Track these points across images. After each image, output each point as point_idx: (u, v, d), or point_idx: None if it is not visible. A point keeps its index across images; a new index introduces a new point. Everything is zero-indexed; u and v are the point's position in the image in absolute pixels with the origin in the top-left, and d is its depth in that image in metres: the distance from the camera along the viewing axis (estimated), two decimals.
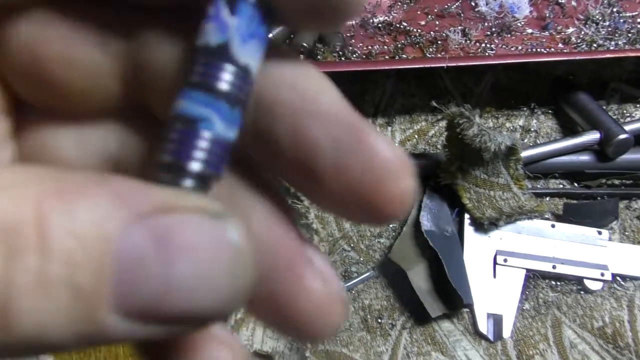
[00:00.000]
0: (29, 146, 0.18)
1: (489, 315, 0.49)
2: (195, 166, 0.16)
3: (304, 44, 0.53)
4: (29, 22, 0.17)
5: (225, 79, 0.16)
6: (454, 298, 0.47)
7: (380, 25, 0.56)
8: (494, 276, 0.50)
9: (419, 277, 0.48)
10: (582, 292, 0.50)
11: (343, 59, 0.54)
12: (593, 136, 0.52)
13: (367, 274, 0.51)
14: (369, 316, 0.49)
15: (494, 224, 0.50)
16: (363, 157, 0.16)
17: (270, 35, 0.16)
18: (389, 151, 0.16)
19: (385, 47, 0.55)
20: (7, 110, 0.18)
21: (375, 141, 0.16)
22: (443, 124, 0.55)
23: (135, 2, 0.17)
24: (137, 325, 0.14)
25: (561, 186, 0.55)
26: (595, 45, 0.55)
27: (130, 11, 0.17)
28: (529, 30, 0.56)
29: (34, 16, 0.17)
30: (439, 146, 0.55)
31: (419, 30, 0.56)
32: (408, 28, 0.56)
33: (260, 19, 0.16)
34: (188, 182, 0.16)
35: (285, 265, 0.17)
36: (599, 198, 0.54)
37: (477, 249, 0.50)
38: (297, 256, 0.17)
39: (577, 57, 0.52)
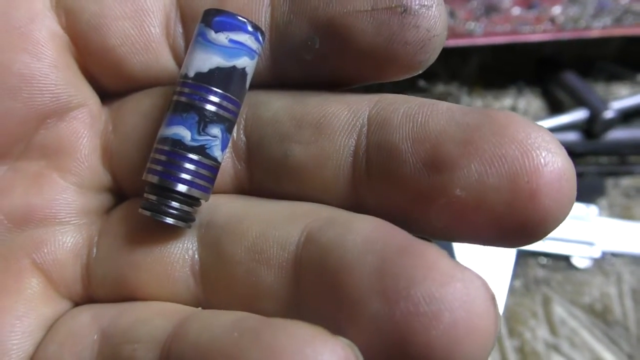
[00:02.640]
0: None
1: None
2: (181, 187, 0.16)
3: None
4: (151, 94, 0.19)
5: (213, 101, 0.16)
6: None
7: None
8: (483, 256, 0.50)
9: None
10: (571, 269, 0.51)
11: None
12: (580, 114, 0.53)
13: None
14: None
15: None
16: (497, 128, 0.14)
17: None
18: (530, 124, 0.14)
19: None
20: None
21: (512, 117, 0.14)
22: None
23: None
24: None
25: None
26: (582, 23, 0.55)
27: None
28: (516, 10, 0.56)
29: (155, 89, 0.19)
30: None
31: None
32: None
33: (251, 34, 0.16)
34: (174, 203, 0.16)
35: None
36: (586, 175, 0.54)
37: None
38: None
39: (563, 37, 0.52)
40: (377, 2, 0.15)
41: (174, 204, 0.16)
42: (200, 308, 0.17)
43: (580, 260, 0.50)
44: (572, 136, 0.54)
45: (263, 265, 0.15)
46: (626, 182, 0.55)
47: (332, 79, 0.16)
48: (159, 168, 0.16)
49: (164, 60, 0.18)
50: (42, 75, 0.17)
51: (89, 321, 0.17)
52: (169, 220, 0.16)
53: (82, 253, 0.18)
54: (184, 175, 0.16)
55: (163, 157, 0.16)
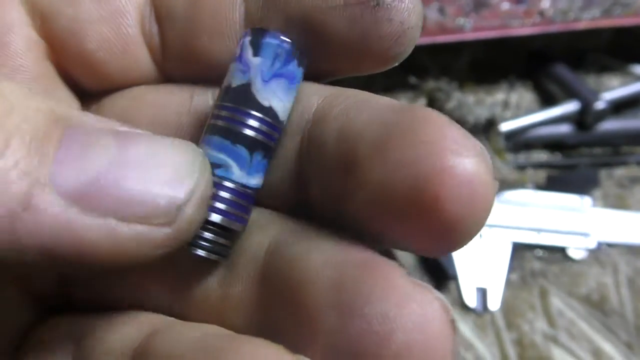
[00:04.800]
0: None
1: (478, 290, 0.49)
2: (215, 217, 0.15)
3: None
4: (125, 96, 0.18)
5: (247, 123, 0.15)
6: (438, 271, 0.48)
7: None
8: (479, 249, 0.50)
9: (403, 252, 0.49)
10: (567, 261, 0.51)
11: None
12: (571, 106, 0.53)
13: None
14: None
15: None
16: (408, 127, 0.13)
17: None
18: (445, 124, 0.13)
19: None
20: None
21: (428, 116, 0.13)
22: (423, 102, 0.55)
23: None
24: (75, 212, 0.12)
25: (543, 157, 0.56)
26: (571, 15, 0.55)
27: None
28: (505, 5, 0.57)
29: (130, 91, 0.19)
30: None
31: None
32: None
33: (287, 58, 0.15)
34: (207, 235, 0.15)
35: None
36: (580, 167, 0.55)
37: None
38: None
39: (552, 29, 0.52)
40: None
41: (207, 235, 0.15)
42: (170, 318, 0.16)
43: (576, 251, 0.51)
44: (564, 128, 0.54)
45: (232, 274, 0.16)
46: (620, 172, 0.55)
47: (308, 73, 0.16)
48: None
49: (142, 61, 0.18)
50: None
51: (65, 332, 0.17)
52: (202, 253, 0.15)
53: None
54: (219, 205, 0.15)
55: None
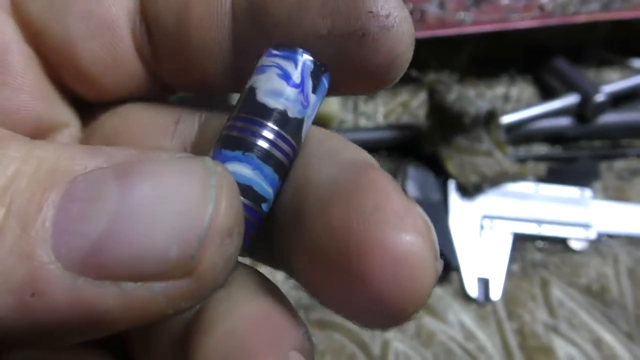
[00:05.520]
0: None
1: (479, 280, 0.50)
2: None
3: None
4: (115, 114, 0.18)
5: (288, 154, 0.15)
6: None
7: None
8: (481, 241, 0.51)
9: None
10: (568, 252, 0.51)
11: None
12: (571, 99, 0.53)
13: None
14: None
15: (479, 190, 0.51)
16: (351, 191, 0.12)
17: None
18: (388, 193, 0.12)
19: None
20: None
21: (375, 182, 0.12)
22: (425, 95, 0.56)
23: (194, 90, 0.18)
24: (85, 283, 0.11)
25: (543, 149, 0.56)
26: (570, 9, 0.56)
27: (200, 102, 0.18)
28: (505, 0, 0.57)
29: (120, 109, 0.18)
30: (423, 117, 0.56)
31: None
32: None
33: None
34: None
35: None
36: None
37: (463, 215, 0.51)
38: None
39: (551, 23, 0.53)
40: (334, 26, 0.14)
41: None
42: None
43: (577, 242, 0.51)
44: (564, 121, 0.55)
45: (154, 333, 0.16)
46: (620, 164, 0.55)
47: None
48: None
49: (136, 71, 0.18)
50: (24, 108, 0.17)
51: None
52: None
53: None
54: None
55: None
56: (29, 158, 0.12)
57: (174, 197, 0.12)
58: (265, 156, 0.14)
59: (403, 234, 0.11)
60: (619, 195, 0.54)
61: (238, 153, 0.14)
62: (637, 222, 0.52)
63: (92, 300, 0.11)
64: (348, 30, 0.14)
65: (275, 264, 0.16)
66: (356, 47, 0.14)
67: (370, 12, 0.14)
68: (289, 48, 0.15)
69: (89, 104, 0.19)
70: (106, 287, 0.11)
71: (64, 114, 0.19)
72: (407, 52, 0.14)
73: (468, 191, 0.51)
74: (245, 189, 0.14)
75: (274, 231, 0.15)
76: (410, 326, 0.48)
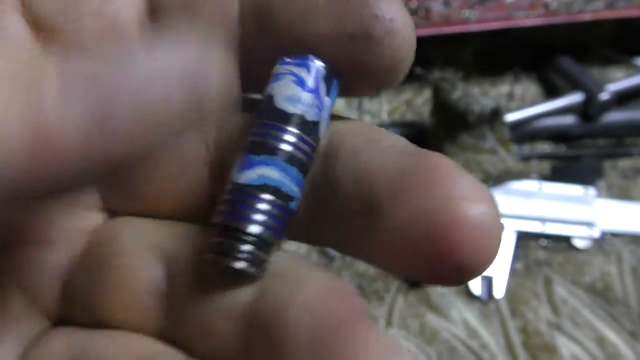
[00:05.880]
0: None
1: (483, 278, 0.50)
2: (254, 229, 0.15)
3: None
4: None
5: (309, 153, 0.15)
6: None
7: None
8: None
9: None
10: (571, 250, 0.51)
11: None
12: (576, 97, 0.53)
13: None
14: (364, 282, 0.50)
15: None
16: (424, 176, 0.14)
17: None
18: (456, 174, 0.14)
19: None
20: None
21: (440, 164, 0.14)
22: (429, 93, 0.56)
23: None
24: None
25: (547, 148, 0.56)
26: (575, 8, 0.56)
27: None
28: None
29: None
30: (428, 115, 0.56)
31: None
32: None
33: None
34: (245, 246, 0.15)
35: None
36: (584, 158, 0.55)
37: None
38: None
39: (556, 21, 0.53)
40: (340, 28, 0.15)
41: (245, 247, 0.15)
42: (162, 347, 0.17)
43: (581, 241, 0.51)
44: (569, 120, 0.55)
45: (213, 310, 0.16)
46: (624, 163, 0.55)
47: None
48: (230, 209, 0.15)
49: None
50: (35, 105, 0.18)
51: (63, 348, 0.17)
52: (240, 265, 0.15)
53: (63, 273, 0.18)
54: (256, 216, 0.15)
55: (236, 198, 0.15)
56: None
57: None
58: (290, 158, 0.15)
59: (480, 206, 0.13)
60: (623, 193, 0.54)
61: (264, 157, 0.15)
62: None
63: None
64: (353, 33, 0.15)
65: (325, 244, 0.17)
66: (360, 49, 0.15)
67: (375, 15, 0.14)
68: (301, 56, 0.15)
69: None
70: None
71: None
72: (409, 55, 0.15)
73: None
74: (275, 190, 0.15)
75: (335, 220, 0.16)
76: (413, 324, 0.48)
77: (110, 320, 0.17)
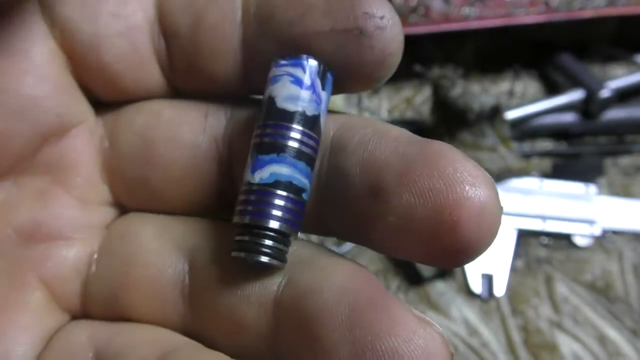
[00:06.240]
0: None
1: (483, 276, 0.50)
2: (274, 224, 0.16)
3: None
4: (144, 111, 0.19)
5: (313, 147, 0.17)
6: None
7: None
8: None
9: None
10: (572, 248, 0.51)
11: None
12: (576, 94, 0.53)
13: None
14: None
15: None
16: (429, 161, 0.15)
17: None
18: (459, 158, 0.15)
19: None
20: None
21: (444, 150, 0.15)
22: (429, 90, 0.56)
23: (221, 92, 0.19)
24: None
25: (548, 145, 0.56)
26: (576, 5, 0.55)
27: (224, 98, 0.19)
28: None
29: (148, 105, 0.19)
30: (428, 113, 0.56)
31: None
32: (390, 0, 0.56)
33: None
34: (268, 241, 0.16)
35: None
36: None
37: None
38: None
39: (556, 18, 0.53)
40: (336, 25, 0.16)
41: (268, 242, 0.16)
42: (186, 339, 0.17)
43: (581, 238, 0.51)
44: (569, 117, 0.54)
45: (244, 301, 0.16)
46: (625, 161, 0.55)
47: None
48: (249, 208, 0.16)
49: (154, 74, 0.19)
50: (47, 97, 0.18)
51: (85, 340, 0.18)
52: (265, 259, 0.16)
53: (82, 269, 0.19)
54: (275, 212, 0.16)
55: (253, 197, 0.16)
56: None
57: None
58: (297, 154, 0.16)
59: (481, 188, 0.14)
60: (623, 191, 0.54)
61: (273, 155, 0.16)
62: None
63: None
64: (347, 29, 0.16)
65: (329, 233, 0.18)
66: (354, 44, 0.16)
67: (367, 13, 0.16)
68: (294, 56, 0.17)
69: (102, 105, 0.20)
70: None
71: (83, 109, 0.19)
72: (397, 52, 0.16)
73: None
74: (287, 185, 0.16)
75: (341, 207, 0.17)
76: None
77: (133, 314, 0.18)
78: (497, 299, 0.49)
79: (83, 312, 0.19)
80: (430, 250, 0.15)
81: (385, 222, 0.15)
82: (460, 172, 0.14)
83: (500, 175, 0.51)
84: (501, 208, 0.15)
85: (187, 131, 0.18)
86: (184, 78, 0.19)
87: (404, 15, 0.55)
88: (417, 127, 0.53)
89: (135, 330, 0.17)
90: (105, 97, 0.19)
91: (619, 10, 0.53)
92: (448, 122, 0.50)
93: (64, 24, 0.18)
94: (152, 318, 0.18)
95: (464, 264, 0.15)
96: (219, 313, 0.17)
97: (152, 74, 0.19)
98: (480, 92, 0.53)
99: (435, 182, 0.14)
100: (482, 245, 0.14)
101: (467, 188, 0.14)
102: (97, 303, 0.19)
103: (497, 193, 0.14)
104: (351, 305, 0.15)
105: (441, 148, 0.15)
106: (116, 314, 0.18)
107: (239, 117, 0.18)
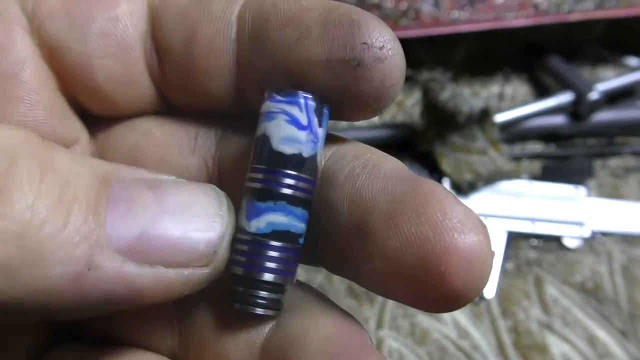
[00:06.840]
0: None
1: None
2: (269, 277, 0.16)
3: None
4: (134, 130, 0.19)
5: (307, 189, 0.16)
6: None
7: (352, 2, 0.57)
8: None
9: None
10: (562, 250, 0.52)
11: None
12: (565, 97, 0.54)
13: None
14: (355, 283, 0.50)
15: (473, 188, 0.52)
16: (417, 204, 0.14)
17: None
18: (449, 202, 0.14)
19: None
20: None
21: (434, 192, 0.14)
22: (419, 94, 0.56)
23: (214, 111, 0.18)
24: (129, 264, 0.14)
25: (538, 147, 0.56)
26: (565, 8, 0.56)
27: (215, 118, 0.18)
28: None
29: (138, 124, 0.19)
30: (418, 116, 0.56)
31: (391, 3, 0.56)
32: (380, 4, 0.57)
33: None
34: (263, 293, 0.16)
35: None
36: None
37: None
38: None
39: (546, 21, 0.53)
40: (331, 54, 0.15)
41: (263, 293, 0.16)
42: None
43: (571, 240, 0.51)
44: (559, 119, 0.55)
45: (233, 343, 0.17)
46: (614, 162, 0.55)
47: None
48: (243, 259, 0.16)
49: (147, 91, 0.19)
50: (40, 124, 0.18)
51: None
52: (260, 311, 0.16)
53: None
54: (270, 264, 0.16)
55: (245, 247, 0.16)
56: (82, 166, 0.14)
57: (200, 208, 0.15)
58: (293, 200, 0.16)
59: (470, 236, 0.14)
60: (613, 193, 0.54)
61: (270, 203, 0.16)
62: (631, 220, 0.52)
63: (133, 279, 0.14)
64: (344, 59, 0.15)
65: (318, 264, 0.18)
66: (351, 75, 0.15)
67: (365, 43, 0.15)
68: (290, 92, 0.16)
69: (94, 119, 0.19)
70: (144, 269, 0.14)
71: (75, 129, 0.19)
72: (398, 83, 0.15)
73: (462, 189, 0.51)
74: (284, 234, 0.16)
75: (329, 242, 0.16)
76: (404, 324, 0.48)
77: (123, 338, 0.18)
78: (487, 301, 0.49)
79: (70, 333, 0.19)
80: (418, 296, 0.15)
81: (373, 264, 0.15)
82: (449, 219, 0.14)
83: (491, 178, 0.51)
84: (492, 253, 0.14)
85: (176, 153, 0.18)
86: (177, 94, 0.19)
87: (394, 18, 0.55)
88: (407, 131, 0.53)
89: (124, 356, 0.18)
90: (97, 113, 0.19)
91: (608, 13, 0.53)
92: (438, 125, 0.50)
93: (52, 45, 0.18)
94: (143, 343, 0.18)
95: (455, 310, 0.15)
96: (206, 350, 0.17)
97: (144, 90, 0.19)
98: (469, 95, 0.53)
99: (422, 229, 0.14)
100: (471, 293, 0.14)
101: (455, 236, 0.14)
102: (86, 324, 0.19)
103: (488, 238, 0.14)
104: (332, 357, 0.15)
105: (431, 189, 0.14)
106: (106, 337, 0.18)
107: (230, 137, 0.18)
